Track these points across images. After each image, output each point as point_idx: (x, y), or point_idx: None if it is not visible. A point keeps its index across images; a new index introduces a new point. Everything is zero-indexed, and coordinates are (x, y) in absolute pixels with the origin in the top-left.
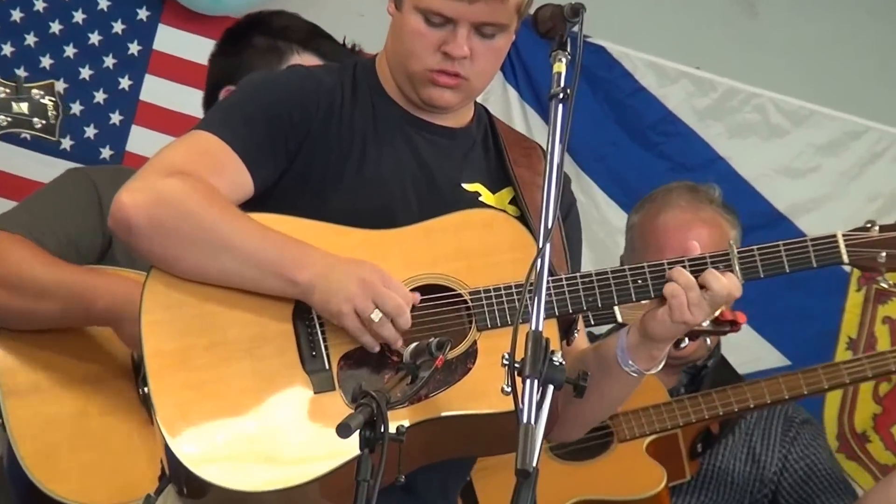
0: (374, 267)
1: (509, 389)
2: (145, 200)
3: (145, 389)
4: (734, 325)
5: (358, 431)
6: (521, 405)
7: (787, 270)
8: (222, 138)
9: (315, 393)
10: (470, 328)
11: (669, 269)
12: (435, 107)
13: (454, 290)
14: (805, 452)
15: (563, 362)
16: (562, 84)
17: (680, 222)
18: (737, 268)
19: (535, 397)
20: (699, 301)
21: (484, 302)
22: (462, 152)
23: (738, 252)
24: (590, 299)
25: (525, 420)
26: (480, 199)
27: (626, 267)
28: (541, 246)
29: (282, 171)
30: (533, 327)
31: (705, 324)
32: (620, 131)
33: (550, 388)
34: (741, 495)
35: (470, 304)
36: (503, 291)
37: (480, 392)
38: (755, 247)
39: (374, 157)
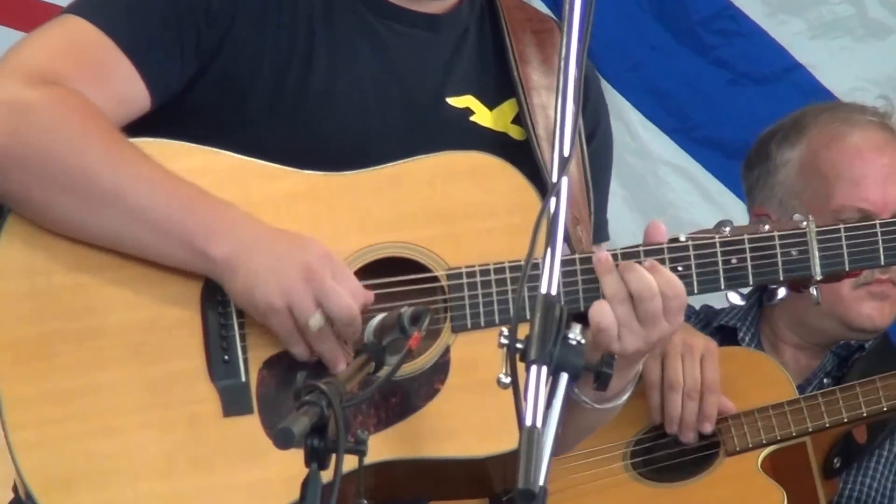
0: (322, 249)
1: (507, 380)
2: (2, 121)
3: None
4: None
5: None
6: (523, 401)
7: (884, 263)
8: (104, 29)
9: (224, 416)
10: (443, 327)
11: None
12: None
13: (426, 269)
14: None
15: (583, 341)
16: None
17: (877, 141)
18: (816, 256)
19: (543, 390)
20: (628, 319)
21: (466, 291)
22: (449, 50)
23: (818, 231)
24: None
25: (529, 422)
26: (472, 118)
27: (664, 245)
28: (555, 179)
29: (189, 80)
30: (544, 289)
31: (822, 277)
32: (661, 30)
33: (564, 376)
34: None
35: (446, 290)
36: (493, 276)
37: (450, 427)
38: (842, 225)
39: (325, 65)
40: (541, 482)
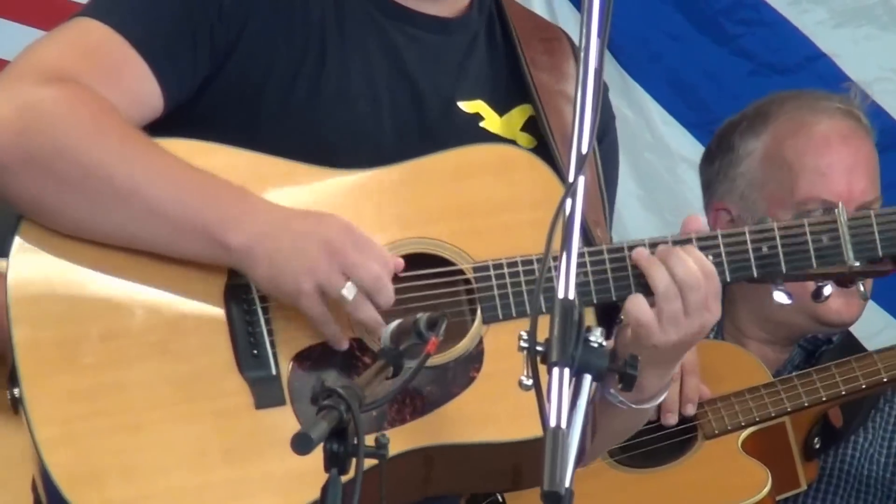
0: (341, 223)
1: (529, 382)
2: (12, 121)
3: (16, 392)
4: None
5: (322, 445)
6: (546, 403)
7: None
8: (117, 29)
9: (257, 408)
10: (473, 319)
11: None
12: None
13: (452, 264)
14: None
15: (604, 343)
16: None
17: (843, 131)
18: (847, 243)
19: (567, 391)
20: (676, 314)
21: (494, 282)
22: (460, 54)
23: (850, 218)
24: (642, 281)
25: (553, 423)
26: (481, 124)
27: (692, 236)
28: (571, 179)
29: (203, 80)
30: (561, 294)
31: (858, 263)
32: (682, 20)
33: (588, 378)
34: None
35: (474, 284)
36: (521, 267)
37: (487, 413)
38: (872, 212)
39: (338, 66)
40: (567, 484)
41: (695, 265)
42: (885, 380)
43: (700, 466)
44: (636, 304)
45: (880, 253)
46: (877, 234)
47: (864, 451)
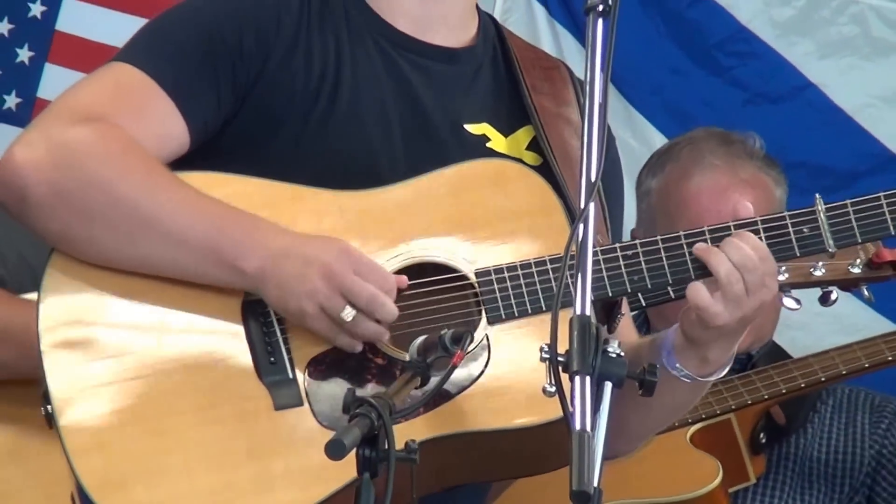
0: (342, 247)
1: (552, 389)
2: (46, 159)
3: (48, 408)
4: None
5: (354, 450)
6: (570, 408)
7: (894, 232)
8: (146, 71)
9: (276, 409)
10: (478, 320)
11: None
12: None
13: (455, 270)
14: None
15: (622, 353)
16: None
17: (717, 187)
18: (827, 231)
19: (589, 397)
20: (739, 295)
21: (496, 285)
22: (465, 82)
23: (827, 208)
24: (635, 278)
25: (579, 426)
26: (488, 144)
27: (681, 232)
28: (583, 205)
29: (227, 116)
30: (578, 310)
31: (856, 269)
32: (680, 54)
33: (608, 385)
34: (824, 501)
35: (477, 288)
36: (520, 271)
37: (496, 404)
38: (849, 201)
39: (350, 92)
40: (595, 483)
41: (751, 249)
42: (822, 379)
43: (651, 459)
44: (697, 292)
45: (859, 239)
46: (854, 221)
47: (806, 451)
